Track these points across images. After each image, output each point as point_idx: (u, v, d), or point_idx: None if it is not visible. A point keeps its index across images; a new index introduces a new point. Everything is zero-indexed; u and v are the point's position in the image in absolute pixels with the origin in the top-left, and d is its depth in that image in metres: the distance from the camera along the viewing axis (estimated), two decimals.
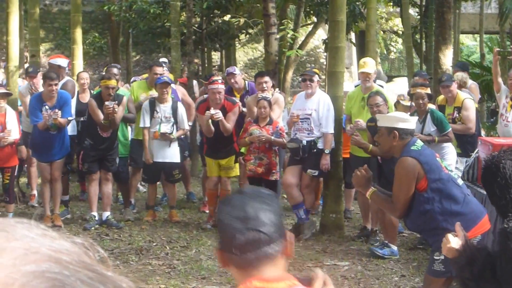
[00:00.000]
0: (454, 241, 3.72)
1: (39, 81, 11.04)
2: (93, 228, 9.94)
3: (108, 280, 0.65)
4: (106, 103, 9.77)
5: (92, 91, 11.51)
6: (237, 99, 10.93)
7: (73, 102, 10.68)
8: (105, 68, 13.25)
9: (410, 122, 5.87)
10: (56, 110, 9.79)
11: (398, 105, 10.70)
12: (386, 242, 8.90)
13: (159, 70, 11.13)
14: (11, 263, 0.57)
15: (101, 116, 9.91)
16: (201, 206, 11.56)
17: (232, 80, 11.31)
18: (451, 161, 9.20)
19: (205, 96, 10.80)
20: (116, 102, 9.89)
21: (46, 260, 0.59)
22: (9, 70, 11.63)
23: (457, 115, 10.08)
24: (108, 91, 9.95)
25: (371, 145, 8.98)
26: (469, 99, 10.23)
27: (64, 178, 10.87)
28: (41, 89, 10.63)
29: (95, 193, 10.27)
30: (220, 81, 10.19)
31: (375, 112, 8.91)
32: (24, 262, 0.57)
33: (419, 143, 5.72)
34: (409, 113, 10.28)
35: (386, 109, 9.10)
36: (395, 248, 8.89)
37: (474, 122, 10.11)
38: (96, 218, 10.14)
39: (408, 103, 10.49)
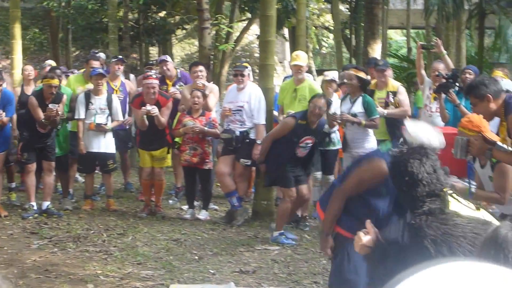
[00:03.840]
0: (366, 239, 3.69)
1: None
2: (31, 217, 10.01)
3: None
4: (50, 105, 9.87)
5: (35, 84, 11.61)
6: (174, 89, 11.21)
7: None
8: (44, 67, 13.19)
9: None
10: (1, 112, 9.82)
11: (323, 85, 10.75)
12: (282, 231, 9.19)
13: (95, 63, 11.30)
14: None
15: (42, 115, 10.00)
16: (138, 195, 11.76)
17: (165, 68, 11.56)
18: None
19: (139, 89, 11.04)
20: (59, 105, 10.01)
21: None
22: None
23: (392, 99, 10.36)
24: (51, 90, 10.05)
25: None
26: (402, 86, 10.73)
27: (10, 167, 11.09)
28: None
29: (32, 184, 10.31)
30: (154, 77, 10.46)
31: (317, 113, 9.07)
32: None
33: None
34: (340, 94, 10.58)
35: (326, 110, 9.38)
36: (290, 234, 9.29)
37: (409, 105, 10.58)
38: (35, 208, 10.19)
39: (329, 78, 10.56)
